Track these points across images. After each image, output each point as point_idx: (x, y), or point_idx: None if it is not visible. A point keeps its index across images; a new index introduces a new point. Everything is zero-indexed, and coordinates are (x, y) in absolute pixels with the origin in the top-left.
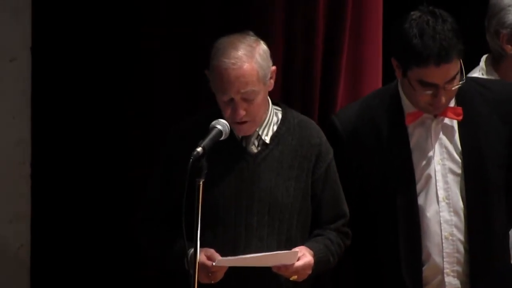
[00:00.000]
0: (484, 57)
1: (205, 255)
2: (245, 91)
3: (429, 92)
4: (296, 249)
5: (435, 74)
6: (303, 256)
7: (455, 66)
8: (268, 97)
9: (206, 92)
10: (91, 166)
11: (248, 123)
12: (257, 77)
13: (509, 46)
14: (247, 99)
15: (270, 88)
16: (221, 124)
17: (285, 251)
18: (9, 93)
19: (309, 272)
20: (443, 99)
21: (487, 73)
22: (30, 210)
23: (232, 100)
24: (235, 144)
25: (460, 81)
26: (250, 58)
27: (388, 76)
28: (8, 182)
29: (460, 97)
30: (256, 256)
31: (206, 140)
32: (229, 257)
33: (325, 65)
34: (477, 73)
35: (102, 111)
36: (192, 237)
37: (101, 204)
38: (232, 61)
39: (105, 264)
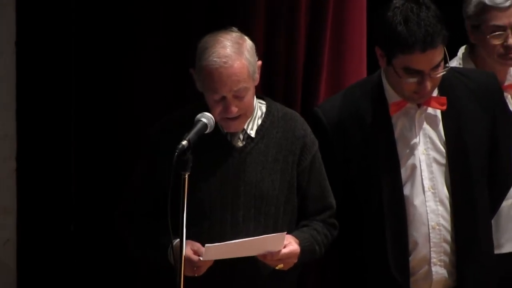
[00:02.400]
0: (462, 48)
1: (192, 249)
2: (237, 89)
3: (414, 79)
4: (283, 233)
5: (420, 60)
6: (288, 244)
7: (440, 52)
8: None
9: (194, 89)
10: (77, 160)
11: (239, 118)
12: (247, 74)
13: (472, 36)
14: (239, 96)
15: (257, 83)
16: (206, 117)
17: (273, 235)
18: None
19: (295, 260)
20: (429, 86)
21: (464, 62)
22: (16, 204)
23: (223, 98)
24: (220, 139)
25: (444, 68)
26: (239, 55)
27: (373, 67)
28: None
29: (443, 86)
30: (244, 242)
31: (191, 134)
32: (216, 244)
33: (307, 57)
34: (455, 63)
35: (88, 105)
36: (177, 231)
37: (88, 198)
38: (223, 60)
39: (92, 258)
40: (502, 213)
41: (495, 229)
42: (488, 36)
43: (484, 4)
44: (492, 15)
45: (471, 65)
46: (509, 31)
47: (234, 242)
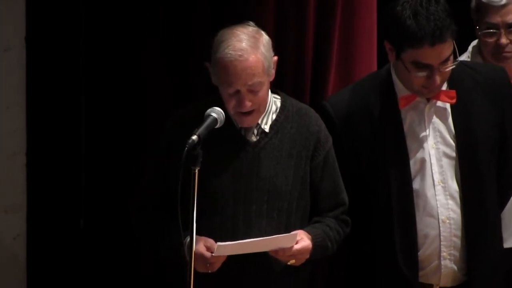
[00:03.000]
0: (473, 42)
1: (205, 245)
2: (252, 83)
3: (424, 73)
4: (295, 232)
5: (430, 54)
6: (301, 240)
7: (449, 46)
8: None
9: (201, 85)
10: (86, 156)
11: (253, 114)
12: (262, 68)
13: (475, 31)
14: (253, 91)
15: (272, 78)
16: (216, 112)
17: (284, 235)
18: (3, 83)
19: (307, 256)
20: (438, 80)
21: (472, 57)
22: (26, 200)
23: (237, 92)
24: (234, 133)
25: (453, 62)
26: (255, 49)
27: (383, 61)
28: (3, 172)
29: (452, 80)
30: (256, 241)
31: (201, 128)
32: (228, 242)
33: (316, 52)
34: (464, 57)
35: (97, 100)
36: (188, 226)
37: (97, 193)
38: (239, 53)
39: (101, 254)
40: (506, 207)
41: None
42: (480, 33)
43: (480, 1)
44: (487, 12)
45: (479, 60)
46: (502, 30)
47: (246, 241)
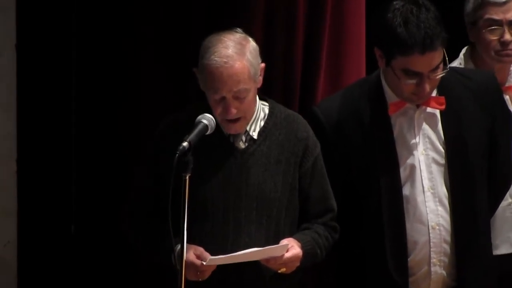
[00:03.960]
0: (464, 49)
1: (195, 254)
2: (237, 90)
3: (413, 81)
4: (285, 240)
5: (420, 62)
6: (291, 247)
7: (439, 54)
8: None
9: (194, 89)
10: (78, 162)
11: (240, 121)
12: (248, 75)
13: (470, 34)
14: (239, 97)
15: (259, 85)
16: (207, 119)
17: (275, 246)
18: None
19: (297, 264)
20: (427, 88)
21: (465, 63)
22: (17, 206)
23: (223, 98)
24: (223, 140)
25: (443, 70)
26: (241, 56)
27: (372, 66)
28: None
29: (442, 86)
30: (246, 253)
31: (192, 135)
32: (220, 256)
33: (305, 56)
34: (456, 63)
35: (89, 106)
36: (178, 233)
37: (88, 199)
38: (224, 59)
39: (93, 260)
40: (497, 214)
41: (493, 230)
42: (484, 31)
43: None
44: (489, 10)
45: (471, 66)
46: (505, 27)
47: (237, 254)
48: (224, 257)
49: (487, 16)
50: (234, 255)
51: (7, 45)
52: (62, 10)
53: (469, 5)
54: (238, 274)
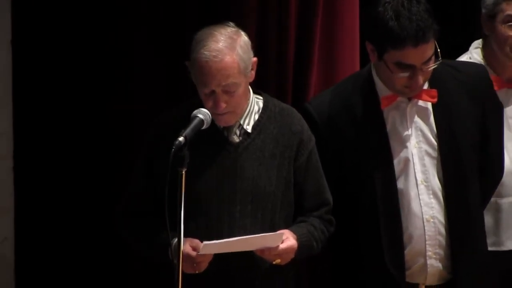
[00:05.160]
0: (474, 42)
1: (190, 246)
2: (226, 84)
3: (406, 74)
4: (280, 231)
5: (412, 55)
6: (286, 239)
7: (431, 46)
8: (249, 87)
9: (190, 86)
10: (74, 158)
11: (229, 114)
12: (238, 70)
13: (486, 27)
14: (229, 91)
15: (251, 79)
16: (203, 113)
17: (270, 234)
18: None
19: (292, 256)
20: (420, 80)
21: (473, 56)
22: (14, 203)
23: (213, 92)
24: (217, 134)
25: (435, 62)
26: (231, 50)
27: (366, 61)
28: None
29: (434, 79)
30: (242, 239)
31: (188, 130)
32: (214, 241)
33: (298, 53)
34: (465, 57)
35: (84, 103)
36: (175, 227)
37: (85, 196)
38: (213, 53)
39: (90, 257)
40: (503, 210)
41: (496, 226)
42: (502, 26)
43: None
44: (509, 5)
45: (477, 59)
46: None
47: (232, 240)
48: (219, 243)
49: (507, 11)
50: (229, 241)
51: (2, 41)
52: (57, 5)
53: None
54: (234, 267)
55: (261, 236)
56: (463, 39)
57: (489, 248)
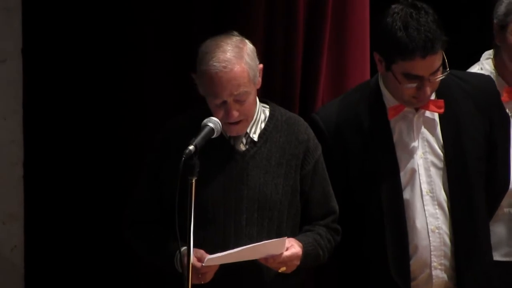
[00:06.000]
0: (485, 53)
1: (195, 257)
2: (237, 93)
3: (414, 84)
4: (283, 238)
5: (421, 66)
6: (291, 247)
7: (439, 57)
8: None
9: (198, 91)
10: (84, 166)
11: (241, 123)
12: (248, 78)
13: (498, 37)
14: (240, 100)
15: (258, 86)
16: (213, 122)
17: (273, 240)
18: (0, 94)
19: (297, 263)
20: (428, 91)
21: (484, 67)
22: (23, 211)
23: (224, 102)
24: (223, 143)
25: (443, 73)
26: (239, 59)
27: (376, 71)
28: (0, 183)
29: (440, 89)
30: (245, 249)
31: (198, 138)
32: (218, 254)
33: (306, 62)
34: (476, 68)
35: (94, 111)
36: (183, 236)
37: (94, 204)
38: (223, 64)
39: (99, 264)
40: None
41: (509, 237)
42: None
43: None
44: None
45: (488, 70)
46: None
47: (235, 251)
48: (222, 255)
49: None
50: (233, 252)
51: (13, 50)
52: (68, 15)
53: (501, 8)
54: (239, 276)
55: (264, 243)
56: (478, 49)
57: (502, 259)
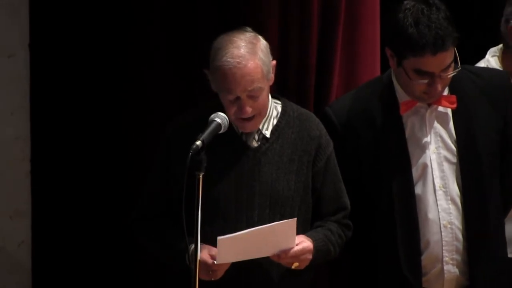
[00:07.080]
0: (490, 50)
1: (209, 254)
2: (251, 89)
3: (425, 80)
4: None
5: (431, 62)
6: (301, 242)
7: (451, 54)
8: None
9: (202, 89)
10: (90, 162)
11: (254, 119)
12: (261, 74)
13: (510, 37)
14: (254, 96)
15: (271, 83)
16: (220, 118)
17: (282, 221)
18: (7, 89)
19: (310, 257)
20: (439, 87)
21: (490, 64)
22: (31, 206)
23: (238, 98)
24: (235, 139)
25: (455, 69)
26: (253, 55)
27: (387, 67)
28: (8, 178)
29: (453, 85)
30: (256, 230)
31: (205, 134)
32: (228, 235)
33: (320, 58)
34: (482, 64)
35: (101, 106)
36: (192, 231)
37: (101, 200)
38: (237, 60)
39: (105, 260)
40: None
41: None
42: None
43: None
44: None
45: (497, 66)
46: None
47: (246, 232)
48: (233, 236)
49: None
50: (243, 233)
51: (20, 45)
52: (75, 11)
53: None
54: (249, 272)
55: (273, 225)
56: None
57: None
